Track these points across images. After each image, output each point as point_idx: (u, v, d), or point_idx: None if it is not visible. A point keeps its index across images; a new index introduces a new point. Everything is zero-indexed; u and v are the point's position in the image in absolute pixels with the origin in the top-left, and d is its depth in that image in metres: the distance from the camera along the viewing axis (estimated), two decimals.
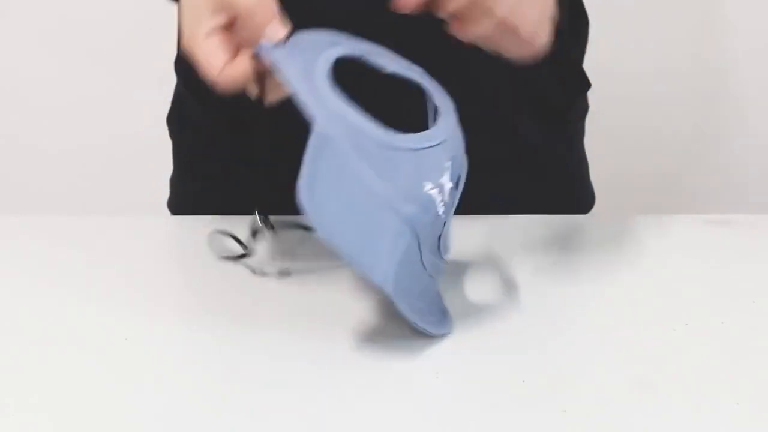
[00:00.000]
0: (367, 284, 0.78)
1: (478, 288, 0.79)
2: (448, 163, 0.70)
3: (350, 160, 0.64)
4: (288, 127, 0.76)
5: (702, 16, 1.72)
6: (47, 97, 1.81)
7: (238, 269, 0.82)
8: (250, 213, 0.89)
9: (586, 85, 1.00)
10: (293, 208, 0.78)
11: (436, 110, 0.74)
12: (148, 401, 0.64)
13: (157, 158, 1.12)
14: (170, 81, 1.03)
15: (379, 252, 0.65)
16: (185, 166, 1.05)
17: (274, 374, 0.67)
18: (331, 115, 0.66)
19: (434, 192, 0.69)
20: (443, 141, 0.70)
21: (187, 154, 1.03)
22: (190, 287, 0.82)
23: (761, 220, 0.95)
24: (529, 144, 0.79)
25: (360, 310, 0.75)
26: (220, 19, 0.72)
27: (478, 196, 0.88)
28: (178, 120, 1.04)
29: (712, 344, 0.71)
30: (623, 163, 1.75)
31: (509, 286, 0.79)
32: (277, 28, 0.72)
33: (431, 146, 0.69)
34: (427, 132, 0.71)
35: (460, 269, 0.81)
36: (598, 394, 0.65)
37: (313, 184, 0.64)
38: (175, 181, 1.07)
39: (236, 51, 0.72)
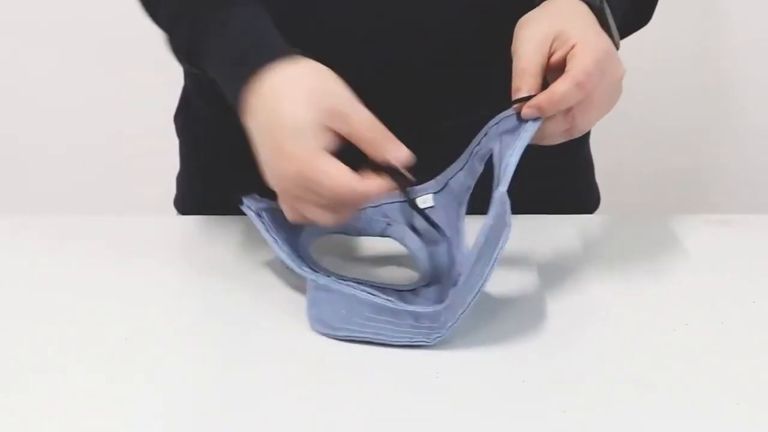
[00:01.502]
0: (368, 281, 0.78)
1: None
2: None
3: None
4: None
5: (705, 16, 1.72)
6: (53, 96, 1.81)
7: (238, 269, 0.82)
8: None
9: None
10: None
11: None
12: (149, 401, 0.64)
13: (163, 157, 1.12)
14: (178, 79, 1.03)
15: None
16: (192, 164, 1.05)
17: (275, 374, 0.67)
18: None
19: None
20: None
21: (193, 153, 1.03)
22: (191, 287, 0.82)
23: (761, 220, 0.95)
24: (534, 145, 0.79)
25: None
26: (332, 138, 0.69)
27: (484, 197, 0.88)
28: (185, 118, 1.04)
29: (712, 344, 0.71)
30: (624, 163, 1.75)
31: (510, 286, 0.79)
32: (400, 148, 0.69)
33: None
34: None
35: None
36: (598, 394, 0.65)
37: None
38: (182, 180, 1.06)
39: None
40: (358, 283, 0.73)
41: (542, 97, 0.74)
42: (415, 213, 0.79)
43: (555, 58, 0.76)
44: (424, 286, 0.78)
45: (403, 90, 0.90)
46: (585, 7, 0.81)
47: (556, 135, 0.77)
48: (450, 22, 0.90)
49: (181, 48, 0.81)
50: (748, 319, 0.75)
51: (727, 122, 1.77)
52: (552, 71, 0.76)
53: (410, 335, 0.69)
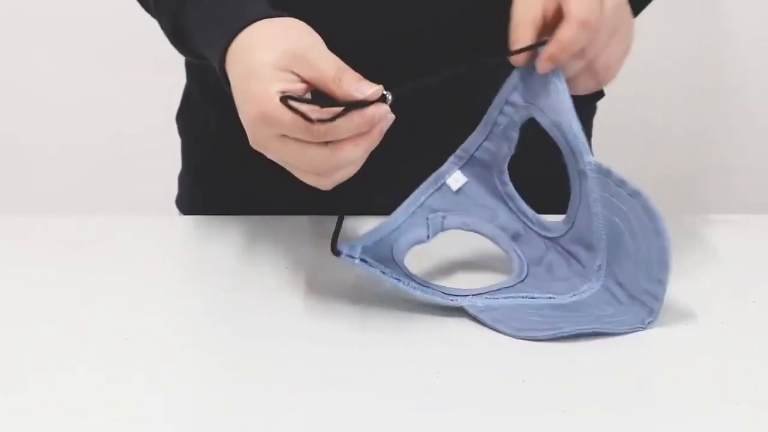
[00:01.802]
0: (367, 281, 0.78)
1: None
2: None
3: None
4: None
5: (704, 16, 1.72)
6: (53, 96, 1.81)
7: (238, 269, 0.82)
8: (258, 211, 0.89)
9: (598, 93, 1.00)
10: (298, 207, 0.79)
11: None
12: (149, 401, 0.64)
13: (165, 156, 1.12)
14: (180, 79, 1.03)
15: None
16: (194, 164, 1.05)
17: (275, 374, 0.67)
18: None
19: None
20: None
21: (196, 152, 1.03)
22: (191, 287, 0.82)
23: (761, 220, 0.95)
24: (534, 146, 0.79)
25: (360, 311, 0.75)
26: (289, 78, 0.68)
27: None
28: (186, 118, 1.04)
29: (712, 344, 0.71)
30: (624, 163, 1.75)
31: None
32: (367, 86, 0.68)
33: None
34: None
35: (462, 269, 0.81)
36: (598, 394, 0.65)
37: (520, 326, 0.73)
38: (184, 179, 1.06)
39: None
40: (478, 293, 0.74)
41: (551, 47, 0.74)
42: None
43: (550, 10, 0.76)
44: (521, 281, 0.78)
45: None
46: None
47: (582, 82, 0.77)
48: (448, 25, 0.90)
49: (168, 31, 0.82)
50: (748, 319, 0.75)
51: (728, 122, 1.77)
52: (554, 24, 0.76)
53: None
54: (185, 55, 0.84)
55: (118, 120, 1.81)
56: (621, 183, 0.71)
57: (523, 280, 0.77)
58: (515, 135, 0.79)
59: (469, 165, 0.81)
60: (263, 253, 0.85)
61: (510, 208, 0.80)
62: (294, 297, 0.77)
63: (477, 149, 0.80)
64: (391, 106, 0.68)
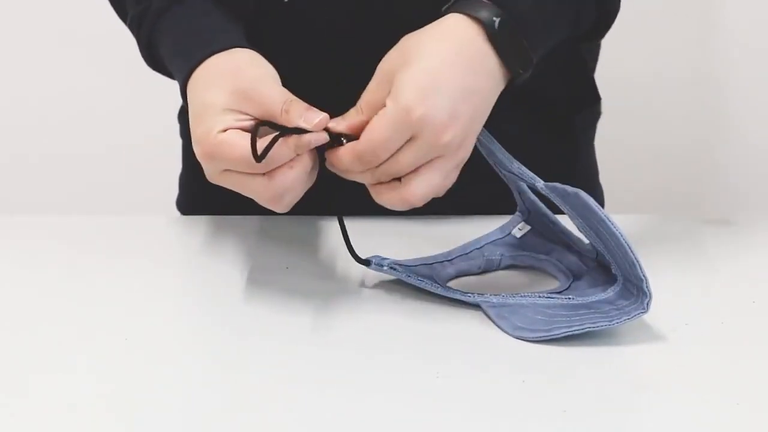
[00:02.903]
0: (367, 281, 0.78)
1: (478, 288, 0.79)
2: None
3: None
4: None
5: (704, 15, 1.72)
6: (54, 96, 1.81)
7: (238, 269, 0.82)
8: (258, 212, 0.89)
9: (596, 98, 1.00)
10: (298, 207, 0.79)
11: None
12: (149, 401, 0.64)
13: (164, 157, 1.12)
14: None
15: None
16: (194, 164, 1.04)
17: (275, 374, 0.67)
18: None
19: None
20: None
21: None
22: (191, 287, 0.82)
23: (761, 220, 0.95)
24: (535, 151, 0.80)
25: (360, 310, 0.75)
26: (237, 118, 0.70)
27: (486, 201, 0.88)
28: (187, 118, 1.03)
29: (712, 344, 0.71)
30: (625, 164, 1.75)
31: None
32: (315, 115, 0.69)
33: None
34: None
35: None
36: (598, 394, 0.65)
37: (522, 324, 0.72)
38: (184, 180, 1.06)
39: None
40: (523, 295, 0.75)
41: (359, 145, 0.69)
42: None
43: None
44: (565, 290, 0.78)
45: None
46: (463, 30, 0.71)
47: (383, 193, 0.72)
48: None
49: (142, 45, 0.86)
50: (748, 319, 0.75)
51: (728, 122, 1.77)
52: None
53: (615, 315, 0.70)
54: (154, 70, 0.88)
55: (118, 121, 1.81)
56: (564, 192, 0.71)
57: (560, 292, 0.77)
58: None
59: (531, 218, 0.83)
60: (263, 253, 0.85)
61: (569, 248, 0.81)
62: (294, 297, 0.77)
63: (525, 204, 0.82)
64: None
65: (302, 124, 0.69)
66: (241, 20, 0.84)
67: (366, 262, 0.76)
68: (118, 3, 0.92)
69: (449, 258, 0.81)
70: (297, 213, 0.91)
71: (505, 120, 0.78)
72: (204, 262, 0.85)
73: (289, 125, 0.69)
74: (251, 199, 0.81)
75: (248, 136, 0.69)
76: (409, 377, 0.66)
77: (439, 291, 0.75)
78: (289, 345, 0.71)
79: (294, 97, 0.71)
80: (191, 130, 0.73)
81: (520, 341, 0.70)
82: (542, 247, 0.82)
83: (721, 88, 1.76)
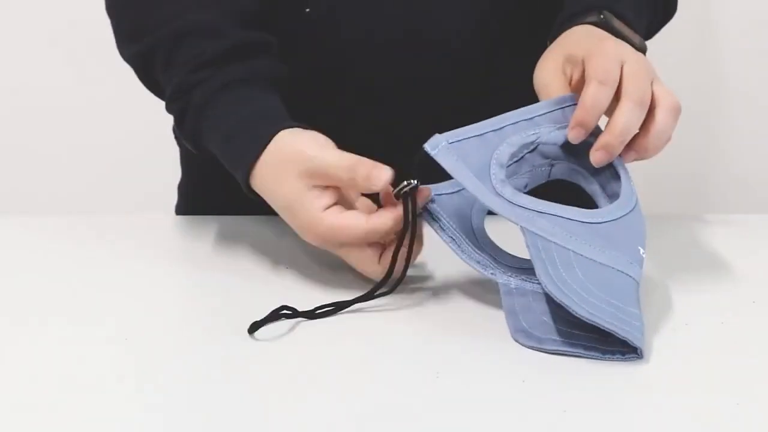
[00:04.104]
0: (367, 281, 0.78)
1: (479, 288, 0.79)
2: (644, 228, 0.75)
3: (572, 247, 0.71)
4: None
5: (704, 16, 1.72)
6: (54, 96, 1.81)
7: (238, 269, 0.82)
8: (258, 213, 0.89)
9: None
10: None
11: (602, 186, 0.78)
12: (149, 401, 0.64)
13: (164, 157, 1.12)
14: None
15: (632, 313, 0.69)
16: (194, 172, 1.05)
17: (275, 374, 0.67)
18: (529, 214, 0.72)
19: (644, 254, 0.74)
20: (634, 208, 0.75)
21: (194, 160, 1.03)
22: (191, 287, 0.82)
23: (761, 220, 0.95)
24: None
25: (360, 310, 0.75)
26: (321, 194, 0.75)
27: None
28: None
29: (712, 344, 0.71)
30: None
31: None
32: (381, 173, 0.74)
33: (626, 214, 0.74)
34: (613, 205, 0.75)
35: (462, 271, 0.81)
36: (598, 394, 0.65)
37: (554, 277, 0.69)
38: (184, 189, 1.06)
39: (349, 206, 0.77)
40: (521, 269, 0.73)
41: (576, 112, 0.75)
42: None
43: (574, 81, 0.79)
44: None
45: (414, 99, 0.91)
46: (589, 27, 0.83)
47: (624, 147, 0.77)
48: (455, 33, 0.91)
49: (188, 136, 0.86)
50: (748, 319, 0.75)
51: (728, 122, 1.77)
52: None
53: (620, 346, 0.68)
54: (185, 140, 0.87)
55: (119, 121, 1.81)
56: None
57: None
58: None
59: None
60: (263, 253, 0.85)
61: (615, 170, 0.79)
62: (294, 297, 0.77)
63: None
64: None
65: (374, 188, 0.74)
66: (277, 83, 0.85)
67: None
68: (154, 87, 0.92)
69: (501, 126, 0.77)
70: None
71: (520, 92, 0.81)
72: (204, 261, 0.85)
73: (361, 190, 0.76)
74: (251, 204, 0.81)
75: (349, 214, 0.75)
76: (409, 377, 0.66)
77: (464, 257, 0.74)
78: (288, 345, 0.70)
79: (354, 162, 0.74)
80: (292, 222, 0.78)
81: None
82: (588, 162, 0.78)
83: (721, 88, 1.76)
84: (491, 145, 0.75)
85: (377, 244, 0.77)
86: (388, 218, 0.75)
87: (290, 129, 0.79)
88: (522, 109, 0.78)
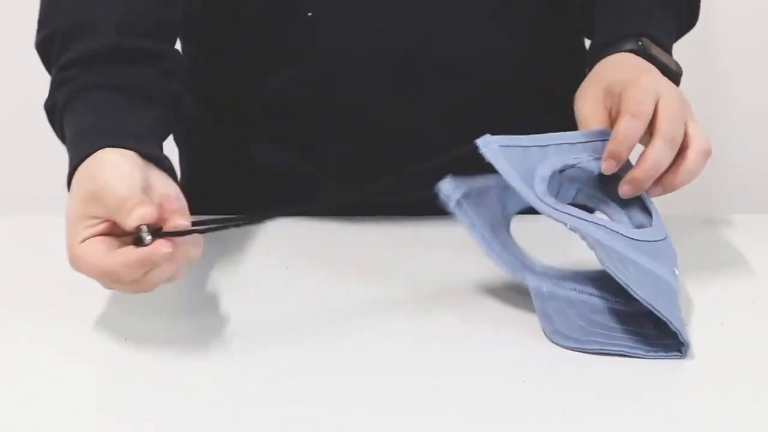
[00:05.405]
0: (367, 281, 0.78)
1: (478, 288, 0.79)
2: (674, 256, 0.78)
3: (619, 249, 0.73)
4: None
5: (703, 15, 1.72)
6: None
7: (238, 269, 0.82)
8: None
9: None
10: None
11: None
12: (149, 401, 0.64)
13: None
14: None
15: (677, 314, 0.71)
16: (192, 172, 1.05)
17: (275, 373, 0.67)
18: (576, 220, 0.74)
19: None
20: (665, 238, 0.78)
21: (195, 162, 1.03)
22: (191, 287, 0.82)
23: (761, 220, 0.95)
24: None
25: (360, 310, 0.75)
26: (87, 224, 0.71)
27: None
28: (180, 128, 1.04)
29: (712, 344, 0.71)
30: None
31: (510, 287, 0.79)
32: (143, 212, 0.68)
33: (661, 240, 0.78)
34: (648, 230, 0.78)
35: (462, 270, 0.81)
36: (598, 394, 0.65)
37: (611, 267, 0.71)
38: (184, 189, 1.06)
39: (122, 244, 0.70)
40: (582, 284, 0.74)
41: (609, 144, 0.76)
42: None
43: (614, 113, 0.79)
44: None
45: (417, 105, 0.91)
46: (627, 55, 0.84)
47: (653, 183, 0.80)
48: (464, 34, 0.91)
49: (59, 136, 0.85)
50: (748, 319, 0.75)
51: (728, 122, 1.77)
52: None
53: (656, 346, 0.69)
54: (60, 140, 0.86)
55: None
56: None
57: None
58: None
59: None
60: (263, 253, 0.85)
61: (643, 203, 0.81)
62: (294, 297, 0.77)
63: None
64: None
65: (121, 220, 0.68)
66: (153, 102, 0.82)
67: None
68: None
69: (544, 144, 0.77)
70: (298, 214, 0.92)
71: (523, 119, 0.81)
72: (204, 261, 0.85)
73: (124, 225, 0.68)
74: (251, 205, 0.81)
75: (106, 243, 0.69)
76: (409, 377, 0.66)
77: (493, 256, 0.73)
78: (288, 344, 0.71)
79: (127, 196, 0.69)
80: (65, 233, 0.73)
81: (520, 341, 0.70)
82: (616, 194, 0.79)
83: (721, 88, 1.76)
84: (533, 159, 0.76)
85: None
86: (124, 257, 0.68)
87: (115, 149, 0.74)
88: (565, 133, 0.79)
